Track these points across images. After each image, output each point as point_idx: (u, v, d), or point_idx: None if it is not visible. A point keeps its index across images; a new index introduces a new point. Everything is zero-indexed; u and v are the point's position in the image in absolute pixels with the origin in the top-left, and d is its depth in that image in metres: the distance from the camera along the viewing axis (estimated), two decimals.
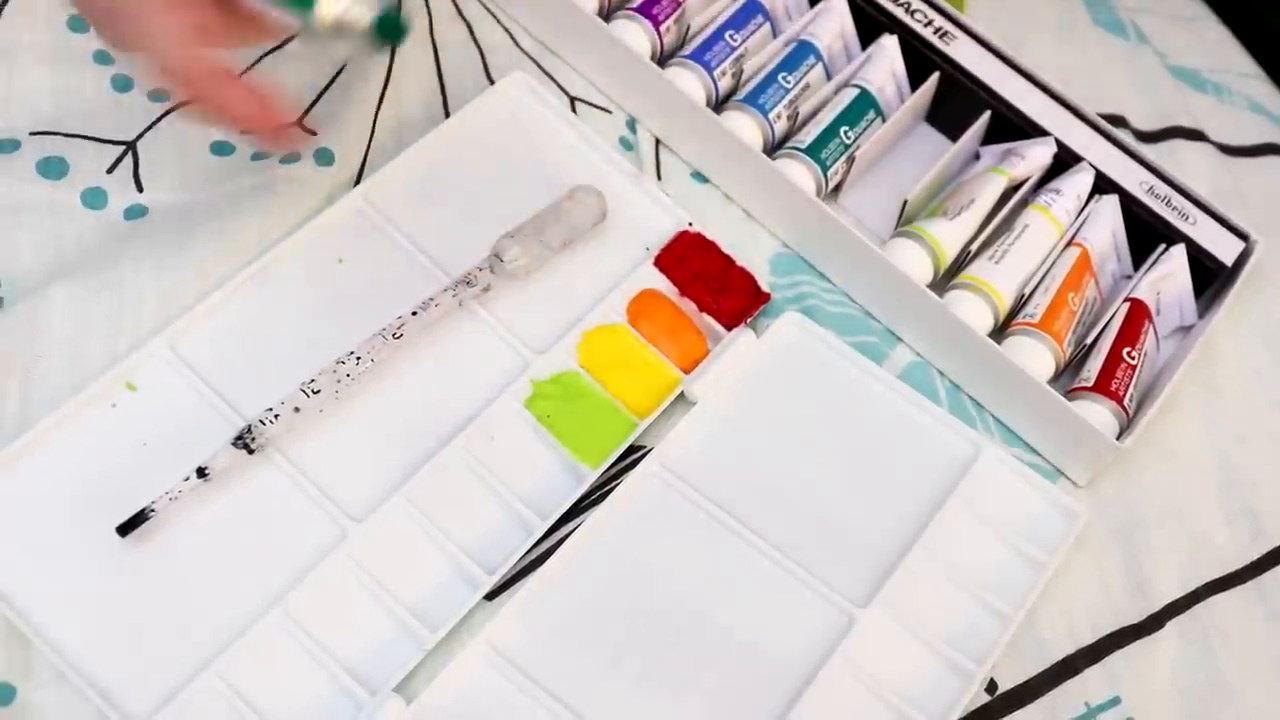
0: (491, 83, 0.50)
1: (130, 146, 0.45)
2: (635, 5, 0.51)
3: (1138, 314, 0.47)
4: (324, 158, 0.46)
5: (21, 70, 0.45)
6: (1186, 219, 0.50)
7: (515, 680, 0.38)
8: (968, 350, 0.46)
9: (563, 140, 0.49)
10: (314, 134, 0.47)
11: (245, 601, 0.38)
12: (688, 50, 0.50)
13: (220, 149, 0.46)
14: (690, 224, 0.48)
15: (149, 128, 0.45)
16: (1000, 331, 0.47)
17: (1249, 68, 0.62)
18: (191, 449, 0.39)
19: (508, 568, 0.40)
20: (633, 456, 0.43)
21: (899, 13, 0.52)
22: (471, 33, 0.52)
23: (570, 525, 0.42)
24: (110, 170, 0.44)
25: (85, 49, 0.46)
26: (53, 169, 0.44)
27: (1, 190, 0.43)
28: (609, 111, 0.51)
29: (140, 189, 0.44)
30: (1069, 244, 0.49)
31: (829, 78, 0.52)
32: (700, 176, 0.51)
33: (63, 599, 0.37)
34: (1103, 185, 0.50)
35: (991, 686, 0.42)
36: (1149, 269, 0.49)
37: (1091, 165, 0.50)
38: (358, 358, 0.41)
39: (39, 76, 0.45)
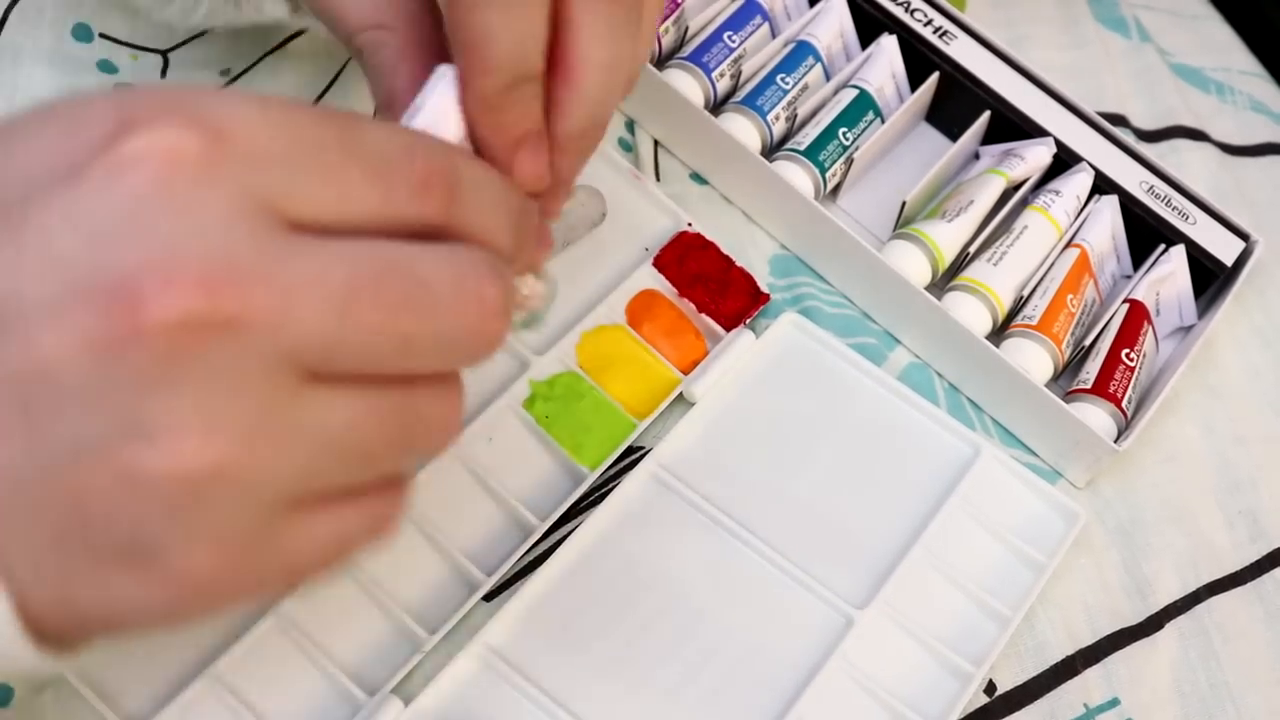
0: None
1: None
2: None
3: (1136, 315, 0.47)
4: None
5: (25, 73, 0.45)
6: (1186, 219, 0.50)
7: (513, 681, 0.38)
8: (966, 352, 0.46)
9: None
10: None
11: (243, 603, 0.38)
12: (686, 52, 0.50)
13: None
14: (690, 224, 0.48)
15: None
16: (999, 333, 0.47)
17: (1252, 66, 0.62)
18: None
19: (506, 569, 0.40)
20: (631, 457, 0.44)
21: (899, 12, 0.52)
22: None
23: (569, 526, 0.42)
24: None
25: (89, 57, 0.46)
26: None
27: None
28: None
29: None
30: (1068, 245, 0.49)
31: (828, 78, 0.52)
32: (699, 178, 0.51)
33: None
34: (1102, 185, 0.50)
35: (990, 688, 0.42)
36: (1148, 269, 0.49)
37: (1091, 165, 0.50)
38: None
39: (42, 78, 0.45)
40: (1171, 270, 0.49)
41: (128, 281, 0.21)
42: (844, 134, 0.49)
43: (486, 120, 0.27)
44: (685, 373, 0.45)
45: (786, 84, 0.50)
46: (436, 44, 0.29)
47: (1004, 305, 0.46)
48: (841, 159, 0.49)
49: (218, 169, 0.22)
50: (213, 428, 0.21)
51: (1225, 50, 0.62)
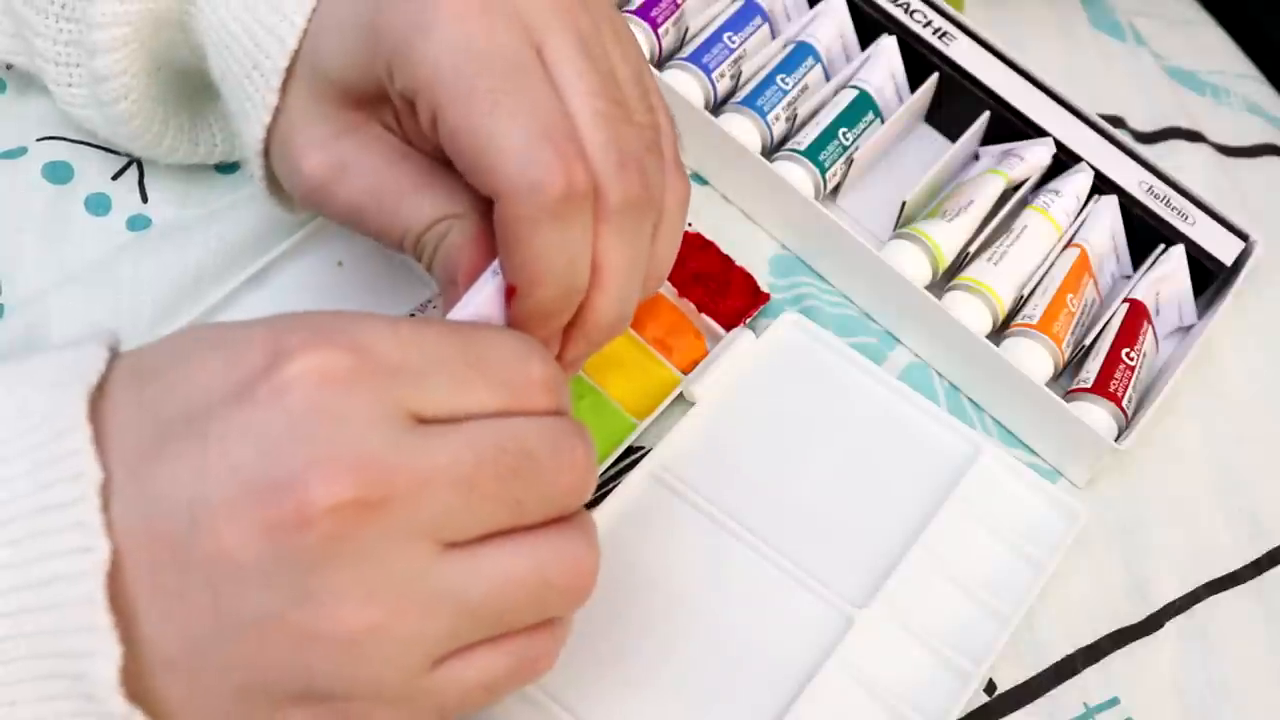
0: None
1: (135, 158, 0.45)
2: (634, 7, 0.51)
3: (1136, 314, 0.47)
4: None
5: (35, 93, 0.45)
6: (1186, 219, 0.50)
7: None
8: (966, 352, 0.46)
9: None
10: None
11: None
12: (686, 52, 0.50)
13: (225, 167, 0.46)
14: (690, 224, 0.48)
15: None
16: (999, 333, 0.47)
17: (1246, 69, 0.62)
18: None
19: None
20: (632, 457, 0.44)
21: (898, 13, 0.52)
22: None
23: None
24: (115, 177, 0.44)
25: None
26: (58, 173, 0.44)
27: (5, 194, 0.43)
28: None
29: (145, 199, 0.44)
30: (1068, 245, 0.49)
31: (828, 79, 0.52)
32: (699, 178, 0.51)
33: None
34: (1101, 186, 0.50)
35: (990, 687, 0.42)
36: (1148, 269, 0.49)
37: (1090, 166, 0.50)
38: None
39: (50, 99, 0.45)
40: (1171, 270, 0.49)
41: (292, 478, 0.25)
42: (844, 134, 0.49)
43: (534, 324, 0.31)
44: (685, 373, 0.45)
45: (786, 84, 0.50)
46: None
47: (1004, 305, 0.47)
48: (841, 159, 0.49)
49: (362, 381, 0.26)
50: (367, 593, 0.26)
51: (1220, 54, 0.62)
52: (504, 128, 0.29)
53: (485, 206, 0.32)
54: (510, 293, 0.30)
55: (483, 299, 0.31)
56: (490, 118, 0.29)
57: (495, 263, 0.31)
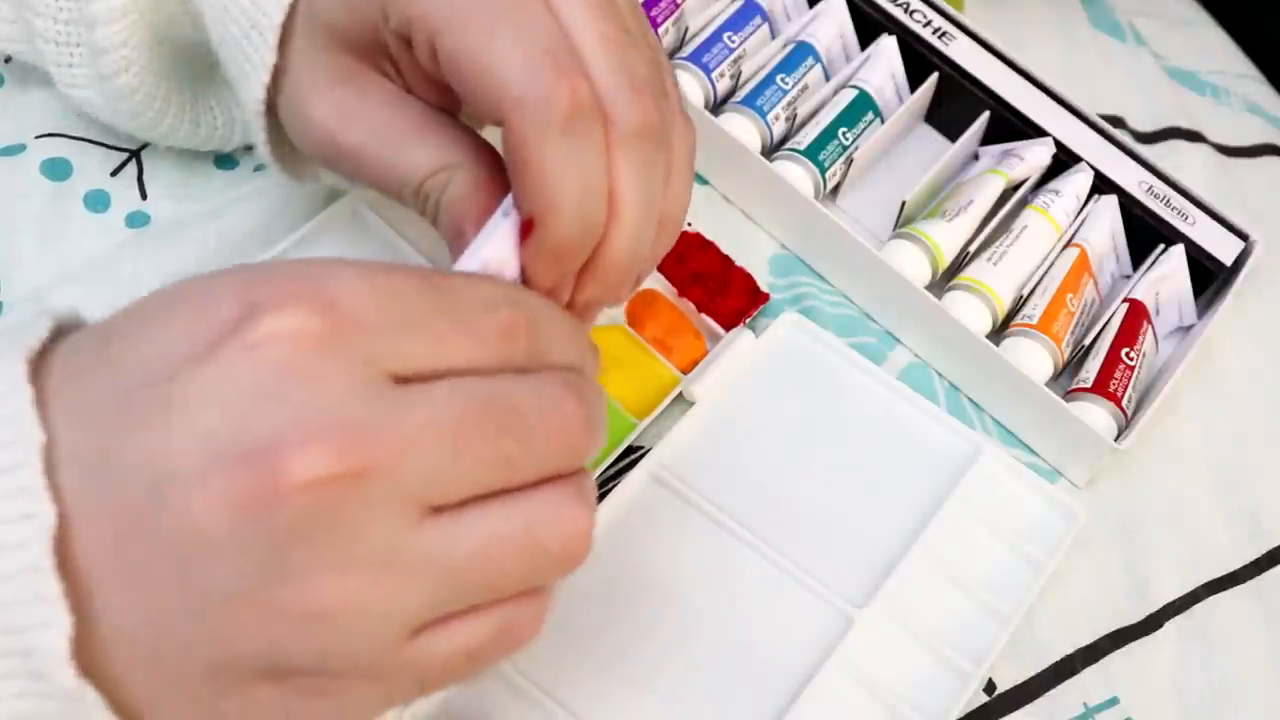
0: None
1: (135, 154, 0.45)
2: None
3: (1136, 314, 0.47)
4: None
5: (34, 89, 0.45)
6: (1185, 219, 0.50)
7: (511, 680, 0.38)
8: (966, 352, 0.46)
9: None
10: None
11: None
12: (686, 52, 0.50)
13: (224, 163, 0.46)
14: (690, 224, 0.48)
15: None
16: (998, 333, 0.47)
17: (1246, 69, 0.62)
18: None
19: None
20: (632, 457, 0.44)
21: (898, 13, 0.52)
22: None
23: None
24: (114, 174, 0.44)
25: None
26: (57, 170, 0.44)
27: (3, 191, 0.43)
28: None
29: (144, 196, 0.44)
30: (1067, 245, 0.49)
31: (827, 79, 0.52)
32: (699, 178, 0.51)
33: None
34: (1101, 186, 0.50)
35: (990, 687, 0.42)
36: (1148, 269, 0.49)
37: (1090, 166, 0.50)
38: None
39: (49, 95, 0.45)
40: (1171, 270, 0.49)
41: (266, 448, 0.23)
42: (844, 134, 0.49)
43: (551, 263, 0.29)
44: (685, 372, 0.45)
45: (786, 84, 0.50)
46: (504, 178, 0.31)
47: (1004, 305, 0.47)
48: (841, 159, 0.49)
49: (336, 341, 0.24)
50: (343, 566, 0.24)
51: (1220, 54, 0.63)
52: (503, 46, 0.28)
53: (488, 156, 0.32)
54: (526, 228, 0.29)
55: (496, 241, 0.29)
56: (489, 39, 0.28)
57: (506, 203, 0.30)
